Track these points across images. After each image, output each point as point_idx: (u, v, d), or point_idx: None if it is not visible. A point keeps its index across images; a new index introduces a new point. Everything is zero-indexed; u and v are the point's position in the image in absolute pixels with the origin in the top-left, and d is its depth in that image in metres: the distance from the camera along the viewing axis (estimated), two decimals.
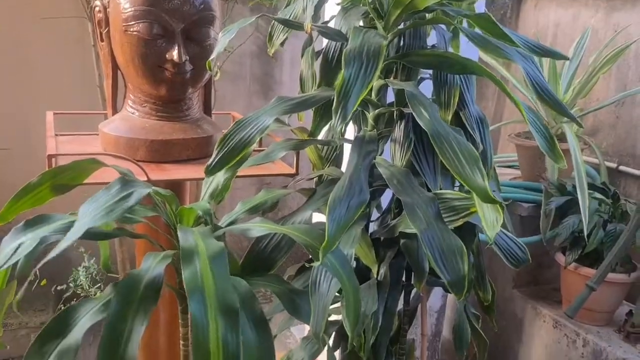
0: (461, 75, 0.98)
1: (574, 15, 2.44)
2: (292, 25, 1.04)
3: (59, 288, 2.14)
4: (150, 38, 1.15)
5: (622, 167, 2.22)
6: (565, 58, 1.01)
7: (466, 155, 0.82)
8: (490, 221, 0.85)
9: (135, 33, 1.15)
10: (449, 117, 0.96)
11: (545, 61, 2.07)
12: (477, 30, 0.94)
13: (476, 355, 1.21)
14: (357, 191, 0.83)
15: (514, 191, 2.09)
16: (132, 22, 1.14)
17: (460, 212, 0.91)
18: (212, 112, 1.42)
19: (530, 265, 2.17)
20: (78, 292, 2.10)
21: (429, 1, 0.88)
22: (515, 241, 1.07)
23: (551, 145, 0.96)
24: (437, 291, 2.00)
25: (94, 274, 2.16)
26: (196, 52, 1.19)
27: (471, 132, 0.97)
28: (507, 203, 1.77)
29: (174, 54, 1.15)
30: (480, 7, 1.79)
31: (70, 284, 2.10)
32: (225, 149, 0.92)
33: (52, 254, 0.69)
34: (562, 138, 1.96)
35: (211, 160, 0.92)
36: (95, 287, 2.13)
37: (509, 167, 2.42)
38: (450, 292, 1.18)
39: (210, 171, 0.93)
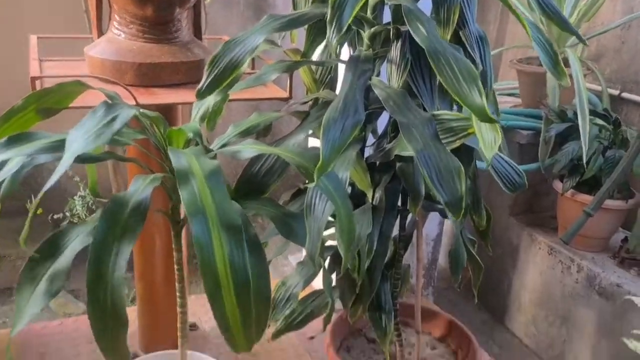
0: None
1: None
2: None
3: (55, 217, 2.15)
4: None
5: (624, 94, 2.17)
6: None
7: (464, 73, 0.79)
8: (488, 142, 0.83)
9: None
10: (448, 36, 0.92)
11: None
12: None
13: (471, 280, 1.22)
14: (352, 111, 0.80)
15: (514, 118, 2.06)
16: None
17: (458, 133, 0.89)
18: (204, 36, 1.36)
19: (528, 193, 2.18)
20: (75, 221, 2.11)
21: None
22: (512, 165, 1.05)
23: (554, 63, 0.92)
24: (434, 219, 2.00)
25: (90, 203, 2.15)
26: None
27: (470, 52, 0.93)
28: (505, 125, 1.73)
29: None
30: None
31: (67, 213, 2.10)
32: (216, 71, 0.88)
33: (49, 183, 0.68)
34: (565, 63, 1.90)
35: (202, 83, 0.88)
36: (92, 215, 2.13)
37: (510, 95, 2.37)
38: (446, 217, 1.18)
39: (202, 94, 0.89)
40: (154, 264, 1.40)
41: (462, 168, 0.81)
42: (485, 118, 0.77)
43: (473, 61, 0.93)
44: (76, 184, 2.14)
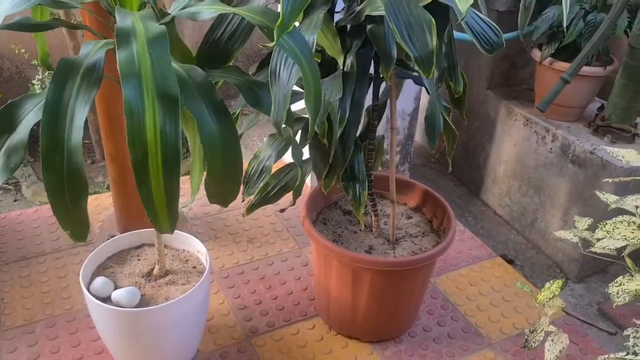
0: None
1: None
2: None
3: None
4: None
5: None
6: None
7: None
8: None
9: None
10: None
11: None
12: None
13: (446, 150, 1.21)
14: None
15: None
16: None
17: None
18: None
19: (505, 64, 2.13)
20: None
21: None
22: (489, 24, 0.99)
23: None
24: (410, 93, 1.97)
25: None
26: None
27: None
28: None
29: None
30: None
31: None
32: None
33: None
34: None
35: None
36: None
37: None
38: (422, 84, 1.14)
39: None
40: (123, 144, 1.36)
41: (434, 21, 0.76)
42: None
43: None
44: (35, 68, 2.04)
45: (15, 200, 2.17)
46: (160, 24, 0.79)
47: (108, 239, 1.17)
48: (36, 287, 1.40)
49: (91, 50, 0.71)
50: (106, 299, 1.04)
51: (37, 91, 1.96)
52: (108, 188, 2.04)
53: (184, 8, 0.89)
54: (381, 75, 1.01)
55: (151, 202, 0.66)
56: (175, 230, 1.16)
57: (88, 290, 1.03)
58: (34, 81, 1.99)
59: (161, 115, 0.62)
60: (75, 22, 0.93)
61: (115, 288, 1.06)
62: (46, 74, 1.99)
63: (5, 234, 1.58)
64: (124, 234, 1.18)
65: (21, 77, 2.27)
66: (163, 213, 0.68)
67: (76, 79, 0.66)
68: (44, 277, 1.43)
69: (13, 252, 1.51)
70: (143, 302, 1.05)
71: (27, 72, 2.27)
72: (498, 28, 0.98)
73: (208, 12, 0.78)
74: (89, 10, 0.83)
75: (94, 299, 1.00)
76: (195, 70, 0.77)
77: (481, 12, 1.02)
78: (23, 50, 2.12)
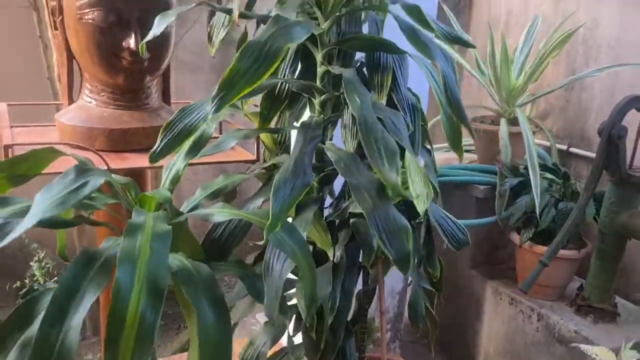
0: (394, 58, 1.00)
1: (525, 2, 2.51)
2: (228, 11, 1.01)
3: (14, 286, 2.12)
4: (106, 26, 1.14)
5: (572, 149, 2.31)
6: (471, 46, 1.07)
7: (388, 149, 0.84)
8: (421, 196, 0.87)
9: (90, 21, 1.14)
10: (383, 99, 0.99)
11: (497, 47, 2.14)
12: (409, 19, 0.98)
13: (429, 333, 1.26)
14: (301, 173, 0.84)
15: (471, 174, 2.16)
16: (87, 10, 1.13)
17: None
18: (171, 101, 1.42)
19: (487, 245, 2.25)
20: (35, 287, 2.08)
21: None
22: (456, 224, 1.11)
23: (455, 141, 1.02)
24: (398, 272, 2.05)
25: (50, 268, 2.14)
26: (153, 40, 1.18)
27: (403, 115, 1.00)
28: (463, 181, 1.79)
29: (131, 42, 1.15)
30: None
31: (26, 281, 2.08)
32: (169, 136, 0.93)
33: (2, 242, 0.69)
34: (515, 122, 2.03)
35: (155, 147, 0.93)
36: (53, 280, 2.12)
37: (466, 151, 2.48)
38: None
39: (154, 158, 0.94)
40: None
41: (410, 228, 0.86)
42: (398, 194, 0.82)
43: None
44: (34, 250, 2.13)
45: None
46: (174, 223, 0.90)
47: None
48: None
49: (112, 244, 0.79)
50: None
51: (35, 270, 2.02)
52: None
53: (194, 207, 1.00)
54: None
55: None
56: None
57: None
58: (32, 263, 2.06)
59: (145, 302, 0.67)
60: (94, 219, 1.03)
61: None
62: (43, 252, 2.08)
63: None
64: None
65: (19, 258, 2.33)
66: None
67: (94, 267, 0.73)
68: None
69: None
70: None
71: (24, 250, 2.33)
72: (465, 228, 1.10)
73: (221, 216, 0.88)
74: (111, 210, 0.93)
75: None
76: (202, 267, 0.84)
77: (441, 207, 1.14)
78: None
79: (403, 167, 0.86)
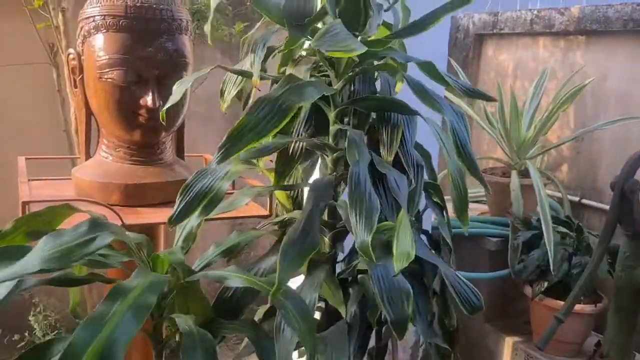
0: (404, 118, 1.01)
1: (533, 56, 2.55)
2: (245, 74, 1.03)
3: (13, 339, 2.10)
4: (125, 85, 1.17)
5: (584, 200, 2.30)
6: (492, 99, 1.08)
7: (367, 208, 0.83)
8: (401, 254, 0.83)
9: (109, 80, 1.17)
10: (391, 158, 0.99)
11: (506, 101, 2.16)
12: (418, 79, 1.00)
13: None
14: (309, 235, 0.84)
15: (482, 226, 2.14)
16: (107, 70, 1.17)
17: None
18: (185, 154, 1.44)
19: (501, 298, 2.22)
20: (35, 341, 2.07)
21: (378, 46, 0.93)
22: (471, 288, 1.09)
23: (461, 209, 1.02)
24: (410, 326, 2.02)
25: (52, 322, 2.12)
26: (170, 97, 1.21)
27: (407, 170, 1.00)
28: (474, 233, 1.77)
29: (149, 100, 1.18)
30: (443, 48, 1.87)
31: (25, 334, 2.06)
32: (187, 199, 0.94)
33: None
34: (526, 174, 2.03)
35: (174, 211, 0.93)
36: (53, 333, 2.10)
37: (477, 202, 2.48)
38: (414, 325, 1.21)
39: (174, 221, 0.94)
40: None
41: (411, 292, 0.86)
42: (367, 256, 0.80)
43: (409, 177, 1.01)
44: (35, 304, 2.13)
45: None
46: (186, 282, 0.90)
47: None
48: None
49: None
50: None
51: (33, 323, 2.01)
52: None
53: (207, 265, 1.00)
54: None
55: None
56: None
57: None
58: (30, 317, 2.05)
59: (125, 324, 0.69)
60: (108, 277, 1.03)
61: None
62: (41, 306, 2.07)
63: None
64: None
65: (20, 311, 2.32)
66: None
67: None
68: None
69: None
70: None
71: (24, 304, 2.32)
72: (479, 293, 1.08)
73: (234, 282, 0.88)
74: (124, 266, 0.93)
75: None
76: (205, 336, 0.84)
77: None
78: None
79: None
